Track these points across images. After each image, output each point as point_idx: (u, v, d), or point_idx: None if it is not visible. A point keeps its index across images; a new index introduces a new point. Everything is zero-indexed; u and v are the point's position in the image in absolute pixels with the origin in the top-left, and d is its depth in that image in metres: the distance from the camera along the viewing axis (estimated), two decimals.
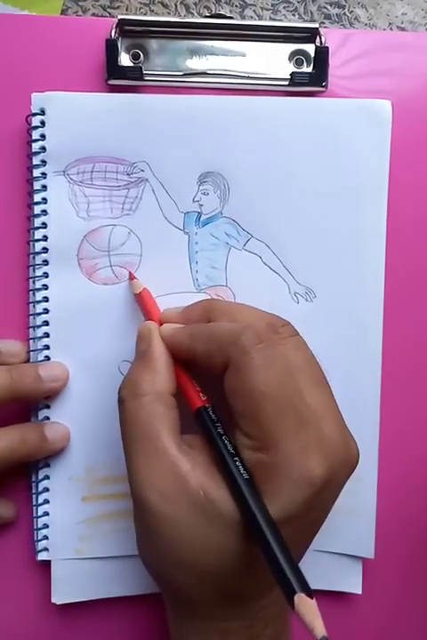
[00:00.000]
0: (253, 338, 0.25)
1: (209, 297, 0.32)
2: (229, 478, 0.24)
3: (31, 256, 0.33)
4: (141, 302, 0.32)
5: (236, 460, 0.25)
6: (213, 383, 0.26)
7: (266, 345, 0.25)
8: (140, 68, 0.33)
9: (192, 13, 0.39)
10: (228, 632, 0.26)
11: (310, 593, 0.21)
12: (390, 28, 0.40)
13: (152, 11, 0.39)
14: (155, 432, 0.25)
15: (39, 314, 0.32)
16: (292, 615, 0.27)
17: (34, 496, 0.33)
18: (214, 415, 0.26)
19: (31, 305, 0.33)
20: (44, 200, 0.32)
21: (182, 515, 0.24)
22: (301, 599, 0.21)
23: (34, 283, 0.33)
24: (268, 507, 0.23)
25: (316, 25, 0.34)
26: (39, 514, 0.33)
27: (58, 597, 0.33)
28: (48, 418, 0.33)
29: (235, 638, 0.26)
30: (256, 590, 0.26)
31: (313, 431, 0.24)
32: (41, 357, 0.32)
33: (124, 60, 0.34)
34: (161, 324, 0.29)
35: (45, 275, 0.32)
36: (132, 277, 0.32)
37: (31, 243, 0.33)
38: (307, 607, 0.21)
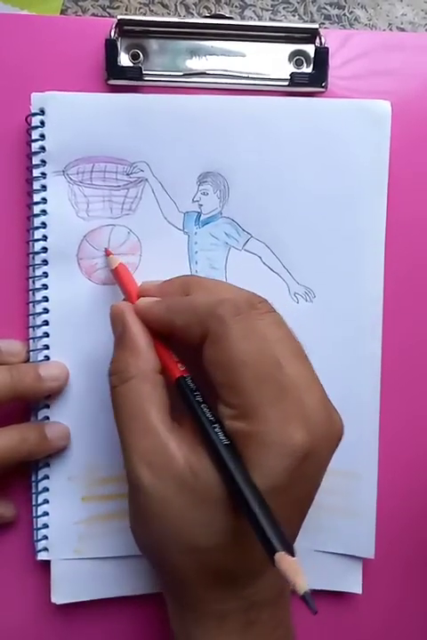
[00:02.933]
0: (232, 309, 0.25)
1: None
2: (210, 447, 0.24)
3: (31, 256, 0.33)
4: (118, 278, 0.31)
5: (215, 427, 0.25)
6: (192, 359, 0.26)
7: (244, 317, 0.25)
8: (140, 68, 0.33)
9: (192, 13, 0.39)
10: (224, 616, 0.26)
11: (292, 551, 0.21)
12: (390, 29, 0.40)
13: (152, 11, 0.39)
14: (144, 412, 0.26)
15: (39, 314, 0.32)
16: (292, 603, 0.27)
17: (34, 496, 0.33)
18: (193, 385, 0.26)
19: (31, 305, 0.33)
20: (44, 200, 0.32)
21: (170, 492, 0.24)
22: (281, 557, 0.21)
23: (34, 282, 0.33)
24: (251, 476, 0.23)
25: (316, 25, 0.34)
26: (39, 514, 0.33)
27: (58, 597, 0.33)
28: (48, 418, 0.33)
29: (231, 622, 0.26)
30: (248, 569, 0.26)
31: (294, 401, 0.24)
32: (41, 357, 0.32)
33: (124, 60, 0.34)
34: (139, 298, 0.29)
35: (45, 274, 0.32)
36: (108, 254, 0.32)
37: (31, 242, 0.33)
38: (288, 564, 0.21)
